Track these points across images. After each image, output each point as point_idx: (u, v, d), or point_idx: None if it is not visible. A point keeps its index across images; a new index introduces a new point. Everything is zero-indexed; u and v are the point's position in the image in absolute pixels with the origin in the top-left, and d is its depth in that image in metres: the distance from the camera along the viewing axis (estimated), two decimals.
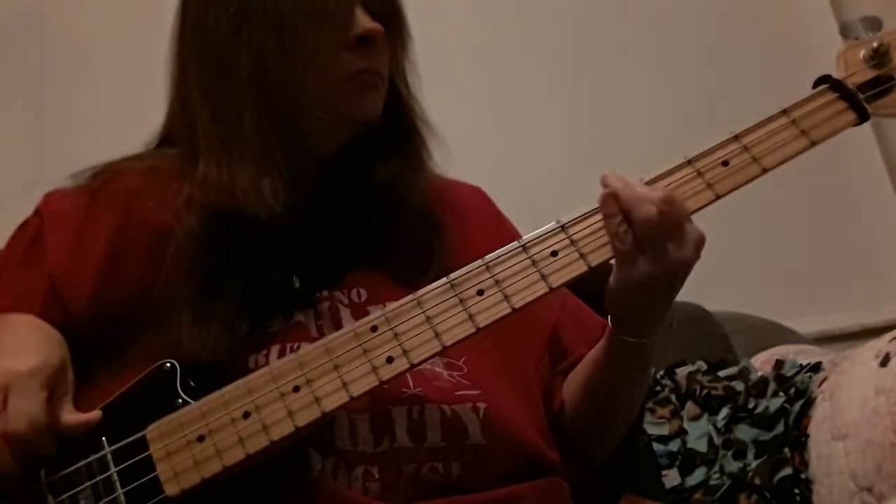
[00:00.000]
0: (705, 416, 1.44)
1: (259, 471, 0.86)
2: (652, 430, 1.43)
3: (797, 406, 1.38)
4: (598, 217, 0.88)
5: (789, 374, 1.45)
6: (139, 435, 0.86)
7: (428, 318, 0.85)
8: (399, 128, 1.03)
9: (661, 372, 1.55)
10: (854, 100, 0.90)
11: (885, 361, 1.23)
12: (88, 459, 0.87)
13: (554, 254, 0.87)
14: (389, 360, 0.85)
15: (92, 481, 0.86)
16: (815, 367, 1.44)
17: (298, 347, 0.91)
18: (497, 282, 0.86)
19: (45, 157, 2.03)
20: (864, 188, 2.16)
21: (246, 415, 0.85)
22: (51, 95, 2.16)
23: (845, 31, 0.92)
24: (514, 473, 0.93)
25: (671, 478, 1.38)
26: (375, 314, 0.87)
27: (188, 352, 0.88)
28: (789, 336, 1.76)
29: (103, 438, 0.88)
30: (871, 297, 2.08)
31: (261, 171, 0.92)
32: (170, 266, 0.94)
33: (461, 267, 0.88)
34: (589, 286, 0.95)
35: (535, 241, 0.88)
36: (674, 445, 1.41)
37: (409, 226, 1.01)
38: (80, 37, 2.18)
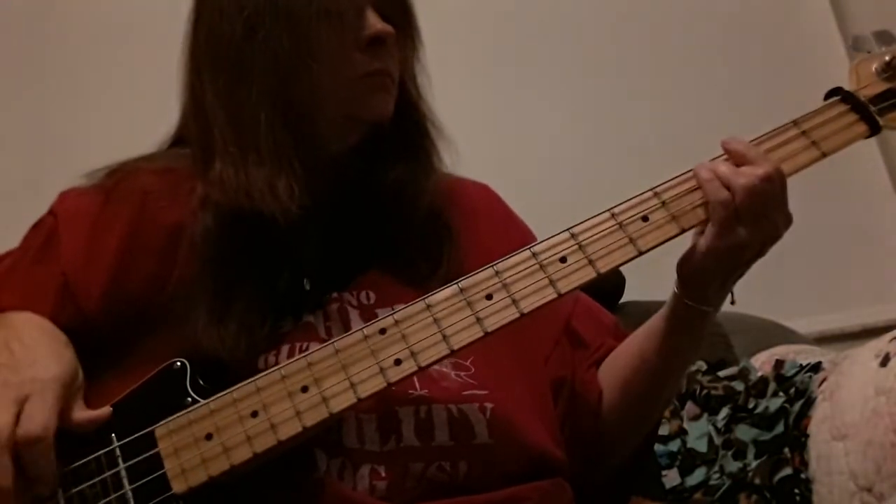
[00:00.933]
0: (705, 416, 1.44)
1: (265, 470, 0.86)
2: None
3: (797, 406, 1.37)
4: (607, 223, 0.89)
5: (789, 374, 1.44)
6: (147, 430, 0.87)
7: (436, 321, 0.86)
8: (409, 130, 1.04)
9: None
10: (866, 112, 0.92)
11: (885, 361, 1.23)
12: (97, 454, 0.87)
13: (563, 259, 0.88)
14: (397, 362, 0.85)
15: (100, 476, 0.87)
16: (815, 367, 1.43)
17: (307, 348, 0.91)
18: (506, 286, 0.87)
19: (46, 157, 2.04)
20: (864, 188, 2.16)
21: (254, 414, 0.85)
22: (51, 95, 2.14)
23: (858, 44, 0.92)
24: (519, 474, 0.93)
25: (671, 478, 1.38)
26: (384, 316, 0.87)
27: (208, 351, 0.89)
28: (789, 336, 1.75)
29: (112, 435, 0.88)
30: (871, 297, 2.08)
31: (276, 172, 0.93)
32: (182, 266, 0.95)
33: (471, 268, 0.88)
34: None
35: (544, 247, 0.88)
36: (674, 445, 1.41)
37: (418, 228, 1.01)
38: (80, 37, 2.17)
